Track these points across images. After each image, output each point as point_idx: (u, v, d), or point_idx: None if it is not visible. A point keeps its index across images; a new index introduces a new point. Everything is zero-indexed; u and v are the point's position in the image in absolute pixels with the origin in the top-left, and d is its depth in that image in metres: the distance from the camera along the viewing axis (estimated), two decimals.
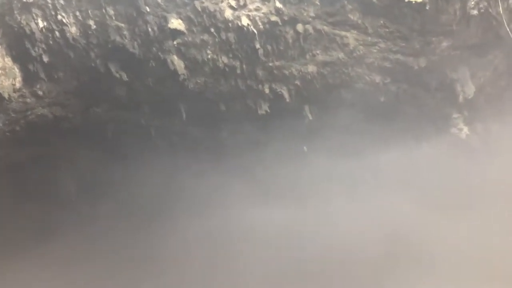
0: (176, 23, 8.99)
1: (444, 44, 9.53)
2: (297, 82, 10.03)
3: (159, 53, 9.33)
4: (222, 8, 8.88)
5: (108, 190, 11.92)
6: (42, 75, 9.40)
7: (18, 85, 9.32)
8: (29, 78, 9.38)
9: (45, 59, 9.17)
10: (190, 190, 12.04)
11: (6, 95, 9.24)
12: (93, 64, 9.40)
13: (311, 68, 9.84)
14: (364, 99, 10.37)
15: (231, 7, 8.90)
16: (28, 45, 8.97)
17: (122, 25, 8.98)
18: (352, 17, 9.22)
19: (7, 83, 9.17)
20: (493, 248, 10.22)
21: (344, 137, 11.07)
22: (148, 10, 8.80)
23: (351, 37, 9.45)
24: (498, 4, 8.97)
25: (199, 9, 8.87)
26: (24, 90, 9.50)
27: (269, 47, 9.43)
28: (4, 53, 8.95)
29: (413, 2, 8.76)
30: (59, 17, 8.75)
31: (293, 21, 9.14)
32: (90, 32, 8.97)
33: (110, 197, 12.06)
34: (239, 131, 11.23)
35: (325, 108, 10.59)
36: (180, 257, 11.99)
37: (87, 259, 12.13)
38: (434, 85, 10.20)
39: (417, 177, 11.33)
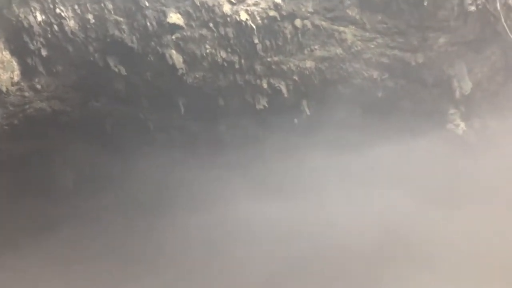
0: (175, 18, 9.00)
1: (442, 40, 9.58)
2: (295, 77, 10.06)
3: (158, 48, 9.34)
4: (220, 3, 8.89)
5: (106, 184, 11.93)
6: (41, 68, 9.40)
7: (16, 78, 9.32)
8: (27, 72, 9.38)
9: (44, 52, 9.17)
10: (188, 184, 12.06)
11: (4, 89, 9.24)
12: (91, 58, 9.41)
13: (309, 64, 9.88)
14: (362, 95, 10.41)
15: (229, 1, 8.92)
16: (26, 38, 8.97)
17: (121, 19, 8.99)
18: (350, 13, 9.25)
19: (5, 76, 9.17)
20: (490, 244, 10.28)
21: (341, 132, 11.11)
22: (147, 4, 8.81)
23: (349, 32, 9.49)
24: (496, 0, 9.01)
25: (198, 3, 8.88)
26: (22, 84, 9.50)
27: (267, 42, 9.46)
28: (2, 46, 8.94)
29: None
30: (58, 10, 8.75)
31: (291, 16, 9.17)
32: (88, 26, 8.97)
33: (108, 192, 12.07)
34: (238, 125, 11.26)
35: (322, 103, 10.63)
36: (179, 251, 12.02)
37: (85, 254, 12.15)
38: (431, 81, 10.24)
39: (414, 172, 11.38)
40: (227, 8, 8.94)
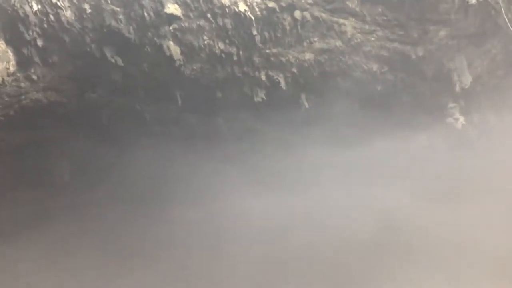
0: (172, 8, 8.90)
1: (442, 33, 9.52)
2: (294, 70, 9.99)
3: (155, 38, 9.24)
4: None
5: (102, 176, 11.86)
6: (37, 59, 9.28)
7: (12, 69, 9.21)
8: (23, 62, 9.26)
9: (40, 43, 9.05)
10: (185, 177, 12.01)
11: (0, 79, 9.14)
12: (88, 49, 9.30)
13: (308, 56, 9.80)
14: (361, 88, 10.36)
15: None
16: (22, 28, 8.84)
17: (118, 9, 8.88)
18: (350, 5, 9.19)
19: (0, 67, 9.06)
20: (487, 239, 10.28)
21: (340, 126, 11.06)
22: None
23: (349, 24, 9.42)
24: None
25: None
26: (18, 74, 9.39)
27: (266, 34, 9.38)
28: None
29: None
30: (54, 0, 8.63)
31: (290, 8, 9.08)
32: (85, 16, 8.86)
33: (104, 184, 12.01)
34: (235, 118, 11.19)
35: (321, 96, 10.57)
36: (176, 244, 11.99)
37: (81, 245, 12.12)
38: (431, 74, 10.19)
39: (412, 167, 11.36)
40: None
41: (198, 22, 9.13)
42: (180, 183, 12.17)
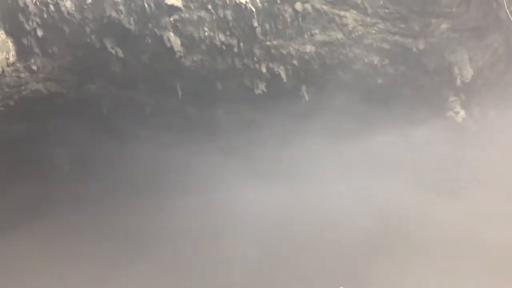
0: None
1: (444, 26, 9.47)
2: (295, 62, 9.96)
3: (155, 30, 9.21)
4: None
5: (102, 167, 11.88)
6: (37, 49, 9.26)
7: (12, 59, 9.19)
8: (23, 52, 9.24)
9: (39, 33, 9.02)
10: (184, 168, 12.03)
11: None
12: (88, 40, 9.27)
13: (309, 48, 9.77)
14: (362, 81, 10.33)
15: None
16: (22, 18, 8.80)
17: (118, 0, 8.84)
18: None
19: (0, 57, 9.03)
20: (487, 232, 10.29)
21: (340, 119, 11.04)
22: None
23: (350, 17, 9.37)
24: None
25: None
26: (18, 65, 9.37)
27: (267, 26, 9.33)
28: None
29: None
30: None
31: None
32: (85, 7, 8.82)
33: (103, 175, 12.03)
34: (235, 110, 11.19)
35: (322, 89, 10.55)
36: (174, 235, 12.03)
37: (81, 236, 12.16)
38: (432, 67, 10.16)
39: (412, 160, 11.36)
40: None
41: (198, 13, 9.09)
42: (179, 174, 12.19)
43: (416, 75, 10.38)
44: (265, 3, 8.98)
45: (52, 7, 8.76)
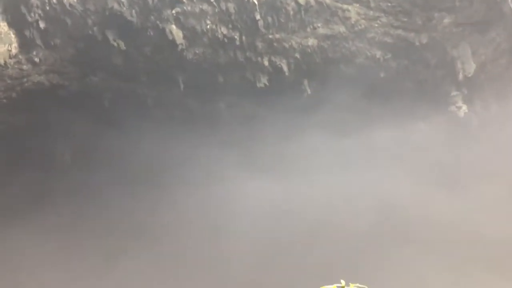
0: None
1: (447, 20, 9.44)
2: (297, 55, 9.93)
3: (158, 22, 9.20)
4: None
5: (103, 159, 11.88)
6: (39, 41, 9.26)
7: (14, 51, 9.20)
8: (25, 44, 9.25)
9: (42, 25, 9.03)
10: (185, 160, 12.02)
11: (2, 61, 9.14)
12: (90, 32, 9.27)
13: (312, 41, 9.75)
14: (364, 75, 10.30)
15: None
16: (24, 10, 8.82)
17: None
18: None
19: (3, 49, 9.05)
20: (486, 226, 10.30)
21: (342, 113, 11.01)
22: None
23: (353, 10, 9.35)
24: None
25: None
26: (20, 57, 9.38)
27: (269, 19, 9.31)
28: (0, 17, 8.80)
29: None
30: None
31: None
32: None
33: (105, 166, 12.02)
34: (237, 104, 11.17)
35: (324, 83, 10.52)
36: (175, 226, 12.04)
37: (82, 226, 12.18)
38: (435, 62, 10.14)
39: (413, 154, 11.34)
40: None
41: (201, 6, 9.07)
42: (180, 166, 12.19)
43: (418, 70, 10.35)
44: None
45: None
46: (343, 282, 3.10)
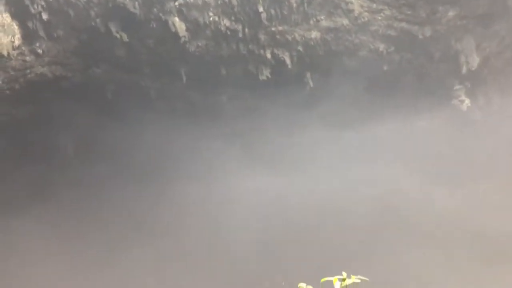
0: None
1: (451, 13, 9.38)
2: (300, 48, 9.91)
3: (160, 14, 9.17)
4: None
5: (106, 151, 11.91)
6: (42, 33, 9.25)
7: (17, 42, 9.19)
8: (28, 36, 9.24)
9: (45, 16, 9.01)
10: (187, 153, 12.05)
11: (5, 52, 9.12)
12: (93, 23, 9.25)
13: (315, 34, 9.71)
14: (367, 68, 10.28)
15: None
16: (27, 1, 8.79)
17: None
18: None
19: (6, 40, 9.04)
20: (487, 220, 10.31)
21: (344, 107, 11.01)
22: None
23: (356, 3, 9.30)
24: None
25: None
26: (23, 48, 9.38)
27: (272, 11, 9.28)
28: (2, 9, 8.78)
29: None
30: None
31: None
32: None
33: (107, 159, 12.06)
34: (239, 96, 11.16)
35: (327, 76, 10.50)
36: (176, 219, 12.09)
37: (84, 219, 12.23)
38: (438, 55, 10.09)
39: (415, 148, 11.34)
40: None
41: None
42: (182, 159, 12.21)
43: (421, 63, 10.32)
44: None
45: None
46: (344, 274, 3.13)
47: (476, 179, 10.66)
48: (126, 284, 10.89)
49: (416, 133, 11.11)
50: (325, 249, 10.86)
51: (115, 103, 10.92)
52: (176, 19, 9.27)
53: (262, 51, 9.92)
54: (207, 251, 11.59)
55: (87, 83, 10.54)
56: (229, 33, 9.52)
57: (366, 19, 9.45)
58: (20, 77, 9.97)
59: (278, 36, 9.67)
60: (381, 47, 9.90)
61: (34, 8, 8.87)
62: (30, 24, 9.10)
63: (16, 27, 9.07)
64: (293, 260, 10.87)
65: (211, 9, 9.18)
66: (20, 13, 8.92)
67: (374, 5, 9.30)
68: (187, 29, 9.44)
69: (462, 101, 10.58)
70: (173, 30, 9.37)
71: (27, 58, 9.65)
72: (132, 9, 9.07)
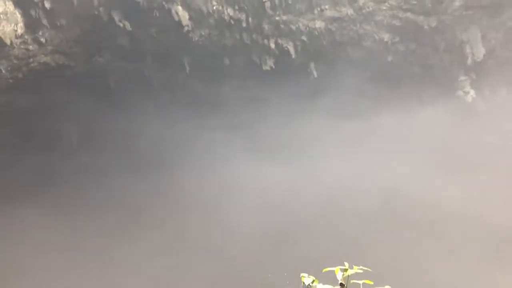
0: None
1: (457, 3, 9.29)
2: (304, 38, 9.84)
3: (164, 3, 9.11)
4: None
5: (109, 140, 11.91)
6: (45, 21, 9.20)
7: (20, 31, 9.15)
8: (31, 24, 9.20)
9: (47, 5, 8.96)
10: (190, 143, 12.03)
11: (8, 41, 9.09)
12: (96, 12, 9.20)
13: (319, 24, 9.64)
14: (371, 58, 10.21)
15: None
16: None
17: None
18: None
19: (8, 28, 9.00)
20: (491, 213, 10.27)
21: (348, 97, 10.95)
22: None
23: None
24: None
25: None
26: (26, 37, 9.34)
27: (276, 0, 9.21)
28: None
29: None
30: None
31: None
32: None
33: (110, 148, 12.07)
34: (242, 87, 11.12)
35: (331, 66, 10.44)
36: (177, 209, 12.10)
37: (85, 207, 12.26)
38: (443, 46, 10.01)
39: (419, 139, 11.28)
40: None
41: None
42: (185, 149, 12.20)
43: (426, 53, 10.23)
44: None
45: None
46: (346, 264, 3.12)
47: (481, 170, 10.60)
48: (125, 269, 10.88)
49: (420, 124, 11.05)
50: (326, 238, 10.86)
51: (118, 93, 10.90)
52: (179, 7, 9.22)
53: (266, 41, 9.86)
54: (210, 239, 11.59)
55: (90, 72, 10.51)
56: (232, 22, 9.46)
57: (370, 8, 9.37)
58: (23, 66, 9.95)
59: (282, 26, 9.61)
60: (386, 37, 9.82)
61: None
62: (33, 13, 9.05)
63: (19, 15, 9.03)
64: (294, 250, 10.87)
65: None
66: (23, 1, 8.88)
67: None
68: (190, 18, 9.38)
69: (467, 92, 10.51)
70: (176, 19, 9.32)
71: (30, 47, 9.62)
72: None
